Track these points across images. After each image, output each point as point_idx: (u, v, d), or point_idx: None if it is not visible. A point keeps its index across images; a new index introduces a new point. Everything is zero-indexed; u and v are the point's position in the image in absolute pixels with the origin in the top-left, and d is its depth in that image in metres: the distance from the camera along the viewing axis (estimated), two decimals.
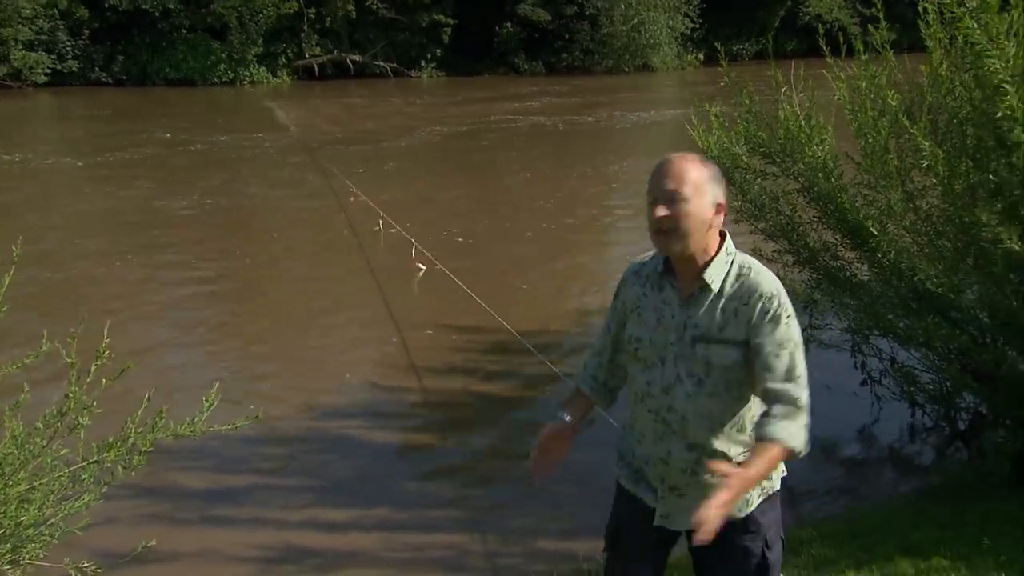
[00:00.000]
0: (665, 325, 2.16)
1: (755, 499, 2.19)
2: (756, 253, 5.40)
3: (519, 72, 35.43)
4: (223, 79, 32.08)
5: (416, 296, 8.62)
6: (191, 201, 12.91)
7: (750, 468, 1.96)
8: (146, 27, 31.46)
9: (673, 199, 2.06)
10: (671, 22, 35.38)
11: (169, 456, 4.81)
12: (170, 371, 6.66)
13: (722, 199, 2.12)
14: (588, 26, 35.58)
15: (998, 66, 3.16)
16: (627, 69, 34.61)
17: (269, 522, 4.55)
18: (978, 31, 3.22)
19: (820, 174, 4.52)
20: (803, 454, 2.03)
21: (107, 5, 30.38)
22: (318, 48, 34.42)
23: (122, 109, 25.25)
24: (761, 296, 2.07)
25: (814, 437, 5.50)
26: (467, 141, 18.94)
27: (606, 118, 21.82)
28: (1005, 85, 3.14)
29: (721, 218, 2.12)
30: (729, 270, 2.12)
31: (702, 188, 2.08)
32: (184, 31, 31.76)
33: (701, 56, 36.98)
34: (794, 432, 2.02)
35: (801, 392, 2.05)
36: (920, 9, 4.19)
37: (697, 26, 36.47)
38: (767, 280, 2.10)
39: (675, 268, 2.18)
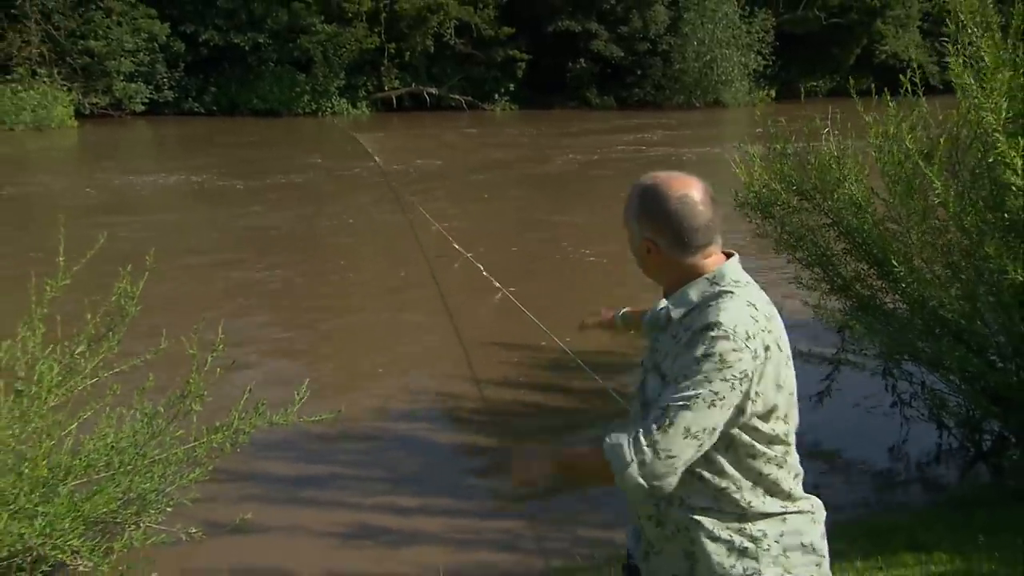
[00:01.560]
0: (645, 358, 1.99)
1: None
2: (796, 281, 5.89)
3: (591, 106, 36.22)
4: (306, 110, 33.64)
5: (482, 315, 9.25)
6: (283, 220, 14.00)
7: (571, 452, 2.09)
8: (236, 60, 33.27)
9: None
10: (744, 59, 35.76)
11: (262, 445, 5.50)
12: (262, 370, 7.42)
13: (649, 234, 1.87)
14: (660, 62, 36.26)
15: (991, 119, 3.64)
16: (698, 104, 35.07)
17: (346, 505, 5.19)
18: (975, 88, 3.71)
19: (848, 211, 4.99)
20: (623, 485, 1.76)
21: (201, 40, 32.27)
22: (397, 81, 35.80)
23: (212, 137, 26.75)
24: (703, 327, 1.77)
25: (846, 453, 5.93)
26: (536, 167, 19.63)
27: (674, 151, 22.31)
28: (996, 134, 3.61)
29: (661, 255, 1.88)
30: (702, 299, 1.84)
31: (630, 224, 1.93)
32: (272, 64, 33.48)
33: (773, 92, 37.24)
34: (620, 450, 1.75)
35: (654, 431, 1.74)
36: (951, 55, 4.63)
37: (770, 63, 36.80)
38: (718, 313, 1.78)
39: None
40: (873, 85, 5.20)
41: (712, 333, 1.74)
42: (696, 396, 1.72)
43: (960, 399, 5.37)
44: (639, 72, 36.93)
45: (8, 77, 27.83)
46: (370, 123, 32.25)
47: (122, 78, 30.97)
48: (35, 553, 3.99)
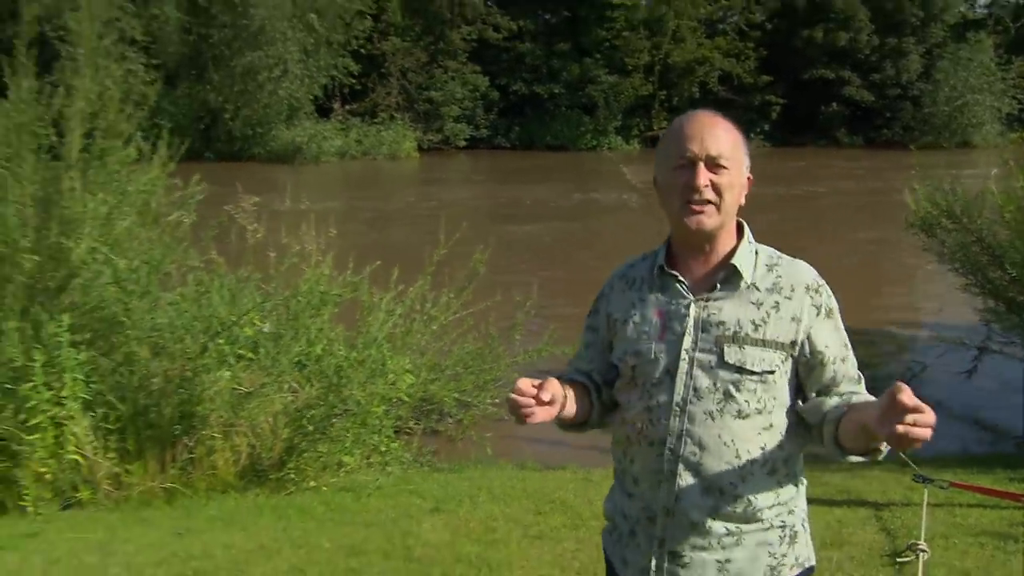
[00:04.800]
0: (675, 329, 1.51)
1: (787, 572, 1.52)
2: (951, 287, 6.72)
3: (840, 145, 35.23)
4: (588, 145, 35.90)
5: None
6: (552, 229, 16.05)
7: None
8: (536, 105, 36.33)
9: (718, 163, 1.49)
10: (997, 104, 33.05)
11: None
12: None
13: (748, 173, 1.56)
14: (911, 106, 34.54)
15: None
16: (945, 145, 32.97)
17: None
18: None
19: (987, 232, 5.89)
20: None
21: (511, 90, 35.75)
22: (665, 122, 37.15)
23: (517, 167, 29.80)
24: (807, 288, 1.50)
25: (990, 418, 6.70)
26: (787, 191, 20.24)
27: None
28: None
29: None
30: (756, 260, 1.54)
31: (739, 154, 1.53)
32: (563, 108, 36.15)
33: None
34: None
35: None
36: None
37: None
38: (806, 268, 1.54)
39: (682, 259, 1.56)
40: None
41: (827, 288, 1.53)
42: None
43: None
44: (888, 115, 35.37)
45: (375, 120, 32.72)
46: (638, 157, 33.90)
47: (451, 120, 34.71)
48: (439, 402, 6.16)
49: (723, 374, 1.47)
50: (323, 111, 31.74)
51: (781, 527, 1.52)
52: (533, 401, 1.41)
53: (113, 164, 5.39)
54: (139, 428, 4.65)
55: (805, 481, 1.60)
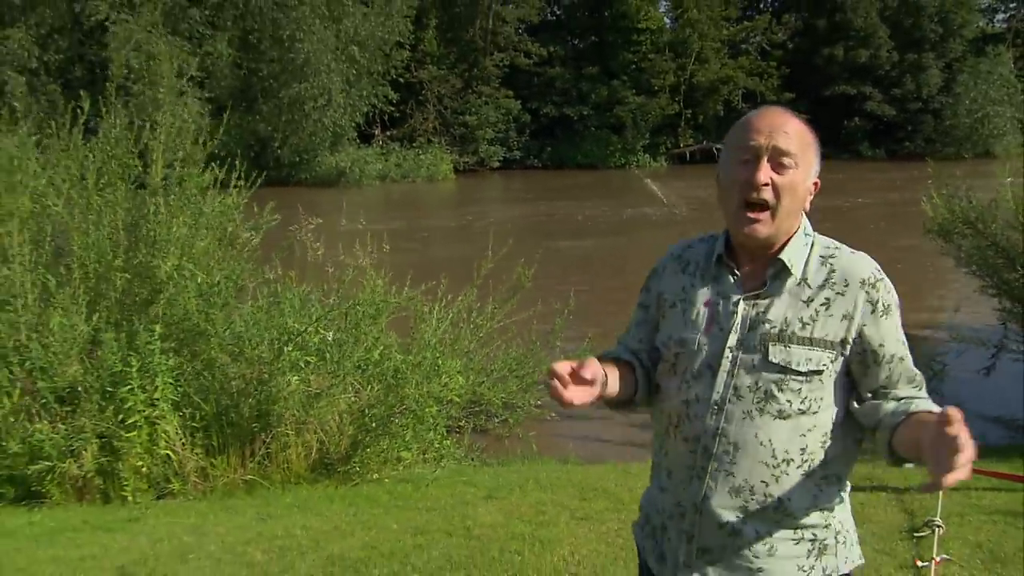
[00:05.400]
0: (722, 324, 1.42)
1: None
2: (980, 288, 6.83)
3: (862, 157, 34.99)
4: (616, 164, 36.09)
5: None
6: (593, 247, 16.34)
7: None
8: (567, 127, 36.68)
9: (782, 161, 1.38)
10: (1018, 114, 32.59)
11: None
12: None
13: (817, 178, 1.47)
14: (932, 119, 34.26)
15: None
16: (966, 156, 32.55)
17: None
18: None
19: (999, 236, 6.03)
20: None
21: (542, 113, 36.18)
22: (691, 140, 37.28)
23: (550, 186, 30.13)
24: (863, 283, 1.38)
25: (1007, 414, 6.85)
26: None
27: None
28: None
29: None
30: (810, 252, 1.42)
31: (809, 156, 1.43)
32: (593, 128, 36.46)
33: None
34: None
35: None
36: None
37: None
38: (864, 261, 1.41)
39: (739, 252, 1.46)
40: None
41: (887, 282, 1.41)
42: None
43: None
44: (910, 128, 35.08)
45: (413, 144, 33.35)
46: (666, 174, 33.99)
47: (485, 142, 35.25)
48: (486, 403, 6.44)
49: (766, 374, 1.37)
50: (364, 137, 32.46)
51: (812, 540, 1.41)
52: (570, 381, 1.33)
53: (191, 190, 5.81)
54: (221, 426, 5.01)
55: (849, 486, 1.48)
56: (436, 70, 35.13)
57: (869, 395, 1.41)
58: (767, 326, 1.39)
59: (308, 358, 5.42)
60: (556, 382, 1.33)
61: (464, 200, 27.41)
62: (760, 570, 1.40)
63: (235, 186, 5.90)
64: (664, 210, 21.75)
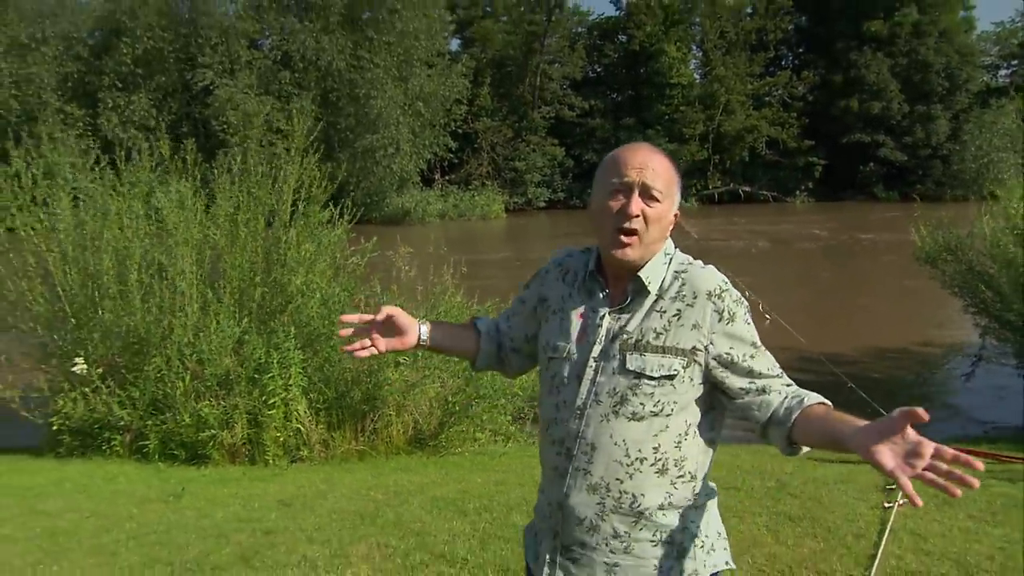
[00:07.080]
0: (590, 335, 1.42)
1: None
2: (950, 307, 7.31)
3: (877, 199, 34.97)
4: None
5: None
6: None
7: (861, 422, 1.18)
8: None
9: (652, 195, 1.39)
10: (1020, 160, 32.27)
11: None
12: None
13: (678, 210, 1.45)
14: (940, 164, 34.10)
15: None
16: (973, 198, 32.32)
17: None
18: None
19: (978, 261, 6.54)
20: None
21: (584, 158, 37.02)
22: (719, 182, 37.70)
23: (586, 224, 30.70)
24: (710, 294, 1.38)
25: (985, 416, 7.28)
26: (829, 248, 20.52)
27: None
28: None
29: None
30: (668, 269, 1.43)
31: (673, 190, 1.42)
32: None
33: None
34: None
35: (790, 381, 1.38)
36: None
37: None
38: (710, 274, 1.41)
39: (608, 270, 1.47)
40: None
41: (732, 292, 1.40)
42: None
43: None
44: (921, 172, 34.98)
45: (469, 187, 34.51)
46: (696, 213, 34.39)
47: (533, 185, 36.14)
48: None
49: (623, 379, 1.37)
50: (427, 181, 33.76)
51: (669, 543, 1.38)
52: (352, 331, 1.49)
53: (313, 223, 6.72)
54: (339, 408, 5.82)
55: (714, 492, 1.46)
56: (490, 122, 36.39)
57: (742, 392, 1.38)
58: (625, 336, 1.39)
59: (405, 356, 6.23)
60: (345, 332, 1.50)
61: (515, 235, 28.18)
62: (616, 565, 1.38)
63: (330, 221, 6.76)
64: (692, 240, 22.24)
